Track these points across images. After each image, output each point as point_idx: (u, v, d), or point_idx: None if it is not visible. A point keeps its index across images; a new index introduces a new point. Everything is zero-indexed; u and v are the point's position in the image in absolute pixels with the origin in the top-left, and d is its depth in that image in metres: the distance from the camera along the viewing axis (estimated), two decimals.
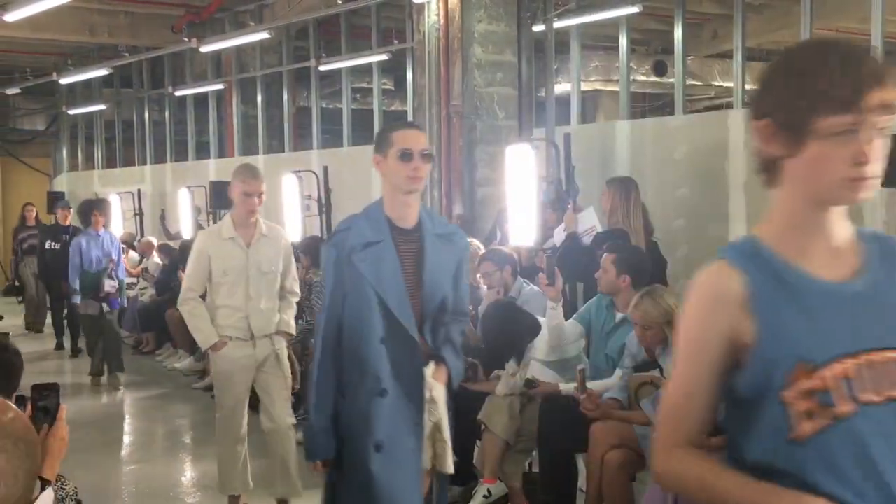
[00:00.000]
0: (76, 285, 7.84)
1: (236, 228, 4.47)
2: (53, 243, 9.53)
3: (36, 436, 1.30)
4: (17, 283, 13.05)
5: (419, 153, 2.76)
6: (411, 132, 2.85)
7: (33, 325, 11.40)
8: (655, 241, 5.22)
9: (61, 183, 15.18)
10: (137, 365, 8.71)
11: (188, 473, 5.65)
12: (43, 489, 2.06)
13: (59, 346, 9.96)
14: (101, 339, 7.90)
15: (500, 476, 4.37)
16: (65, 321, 9.76)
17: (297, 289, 4.69)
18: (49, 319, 10.83)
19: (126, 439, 6.42)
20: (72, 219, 9.76)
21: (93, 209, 8.01)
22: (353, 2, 8.98)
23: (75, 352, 9.55)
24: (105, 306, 7.83)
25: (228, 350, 4.39)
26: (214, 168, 11.72)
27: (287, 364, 4.65)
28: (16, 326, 10.90)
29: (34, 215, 11.65)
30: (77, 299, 7.92)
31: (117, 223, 11.18)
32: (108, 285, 7.77)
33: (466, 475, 4.69)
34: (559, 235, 5.43)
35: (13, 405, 1.28)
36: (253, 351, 4.44)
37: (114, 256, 7.96)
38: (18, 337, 10.23)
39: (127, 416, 7.10)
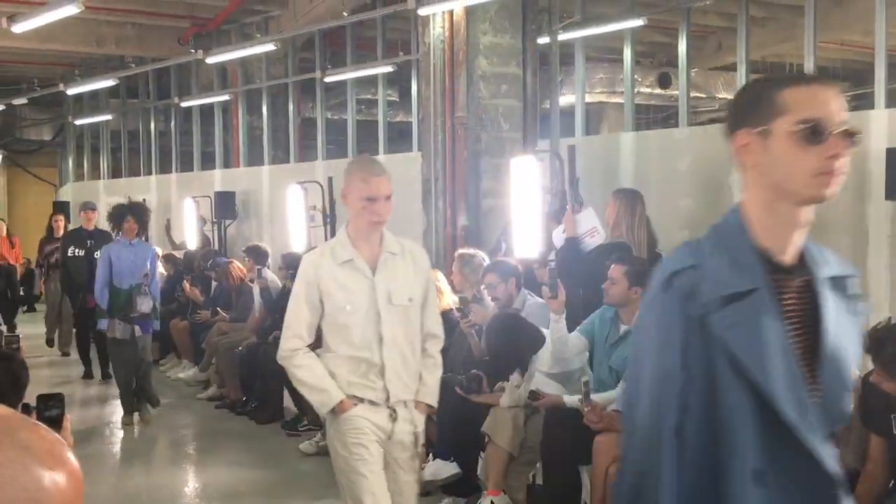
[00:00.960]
0: (104, 303, 6.75)
1: (355, 247, 3.20)
2: (77, 249, 8.51)
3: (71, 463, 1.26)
4: (39, 294, 12.62)
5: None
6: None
7: (60, 347, 10.24)
8: (659, 253, 5.22)
9: (67, 193, 15.24)
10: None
11: (192, 484, 5.65)
12: None
13: (87, 375, 8.72)
14: (132, 369, 6.78)
15: (504, 488, 4.37)
16: (91, 342, 8.62)
17: (440, 331, 3.35)
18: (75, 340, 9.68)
19: (130, 449, 6.42)
20: (97, 222, 8.90)
21: (126, 214, 6.85)
22: (359, 14, 9.02)
23: (106, 377, 8.39)
24: (137, 329, 6.71)
25: (358, 413, 3.10)
26: (220, 178, 11.75)
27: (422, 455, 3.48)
28: (38, 347, 10.07)
29: (62, 226, 10.57)
30: (104, 324, 6.81)
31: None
32: (142, 304, 6.69)
33: (470, 487, 4.69)
34: (558, 238, 5.43)
35: (45, 426, 1.26)
36: (390, 424, 3.13)
37: (149, 270, 6.85)
38: (38, 358, 9.52)
39: (132, 426, 7.09)
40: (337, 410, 3.07)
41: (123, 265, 6.71)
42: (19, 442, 0.82)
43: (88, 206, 8.89)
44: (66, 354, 10.06)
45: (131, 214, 6.85)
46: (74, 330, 9.32)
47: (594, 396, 4.19)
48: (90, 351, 8.66)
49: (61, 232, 10.29)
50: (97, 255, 7.66)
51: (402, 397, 3.12)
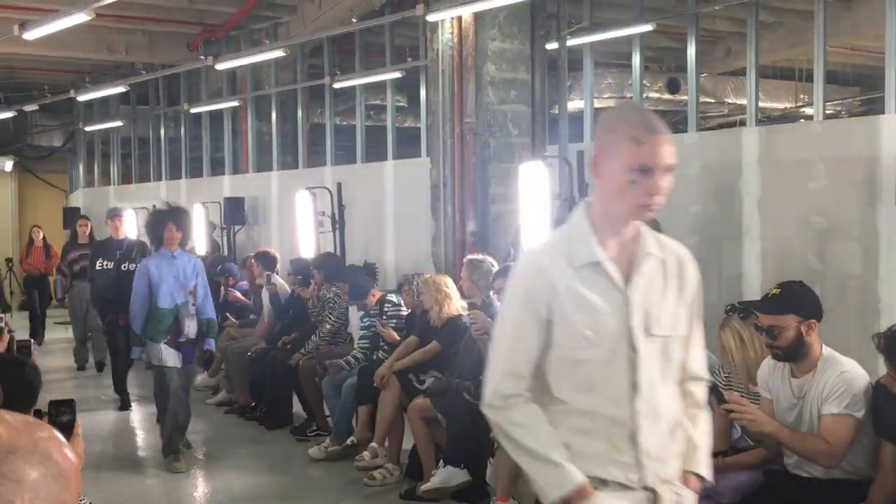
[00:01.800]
0: (138, 326, 5.78)
1: (602, 243, 2.10)
2: (105, 262, 7.73)
3: (73, 465, 1.30)
4: (60, 300, 11.97)
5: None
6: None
7: (76, 361, 9.73)
8: None
9: (77, 199, 15.32)
10: (151, 380, 8.72)
11: (201, 489, 5.66)
12: None
13: (125, 405, 7.74)
14: (180, 402, 5.88)
15: (513, 494, 4.36)
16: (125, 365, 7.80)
17: (706, 372, 2.25)
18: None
19: (139, 454, 6.43)
20: (126, 230, 8.50)
21: (166, 221, 5.82)
22: (368, 20, 9.04)
23: (125, 407, 7.73)
24: (188, 356, 5.85)
25: None
26: (229, 184, 11.79)
27: None
28: (68, 369, 9.63)
29: (88, 231, 9.67)
30: (137, 352, 5.94)
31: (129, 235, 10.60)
32: (189, 328, 5.81)
33: (479, 493, 4.68)
34: None
35: (52, 428, 1.29)
36: None
37: (196, 287, 5.86)
38: (66, 382, 9.00)
39: (140, 432, 7.11)
40: (573, 500, 2.01)
41: (165, 281, 5.74)
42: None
43: (116, 214, 8.13)
44: (81, 368, 9.62)
45: (173, 221, 5.83)
46: (110, 355, 8.23)
47: None
48: (125, 378, 7.77)
49: (86, 238, 9.59)
50: (126, 266, 7.25)
51: (666, 475, 2.08)
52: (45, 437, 1.23)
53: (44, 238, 12.01)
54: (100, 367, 9.42)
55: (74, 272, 9.40)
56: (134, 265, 6.97)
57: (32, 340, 3.78)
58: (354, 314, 6.55)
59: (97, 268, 7.78)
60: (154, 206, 6.71)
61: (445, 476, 4.71)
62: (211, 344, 6.07)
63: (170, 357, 5.76)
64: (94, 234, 9.71)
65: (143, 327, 5.76)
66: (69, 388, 8.52)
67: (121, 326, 6.97)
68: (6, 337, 3.75)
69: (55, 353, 10.62)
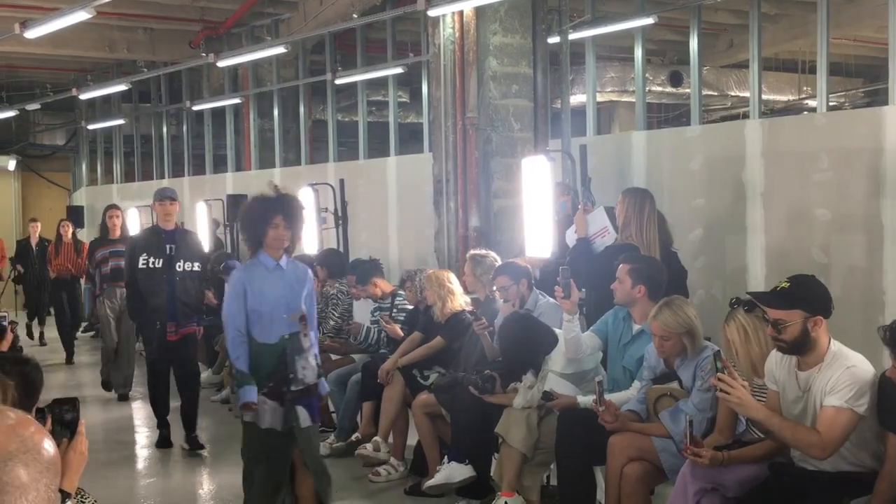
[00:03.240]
0: (244, 363, 4.03)
1: None
2: (152, 258, 6.02)
3: (55, 447, 1.30)
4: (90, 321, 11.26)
5: None
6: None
7: (116, 388, 8.09)
8: (675, 252, 5.19)
9: (80, 197, 15.34)
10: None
11: (206, 486, 5.66)
12: (63, 502, 2.07)
13: (165, 442, 6.20)
14: (281, 476, 4.16)
15: (518, 489, 4.35)
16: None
17: None
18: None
19: (144, 452, 6.44)
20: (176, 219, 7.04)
21: (273, 214, 4.05)
22: (369, 15, 9.03)
23: (163, 429, 6.31)
24: (303, 414, 4.08)
25: None
26: (232, 182, 11.79)
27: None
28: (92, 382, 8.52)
29: (121, 224, 8.29)
30: (251, 393, 3.99)
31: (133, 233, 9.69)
32: (305, 370, 4.10)
33: (484, 488, 4.68)
34: (570, 238, 5.42)
35: (34, 419, 1.29)
36: None
37: (307, 309, 4.15)
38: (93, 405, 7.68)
39: (145, 429, 7.11)
40: None
41: (268, 302, 4.03)
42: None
43: (167, 195, 6.18)
44: (124, 398, 7.92)
45: (282, 214, 4.06)
46: (150, 384, 6.50)
47: (608, 396, 4.17)
48: (167, 404, 6.33)
49: (118, 231, 8.15)
50: (184, 266, 6.07)
51: None
52: (31, 432, 1.23)
53: (74, 234, 10.55)
54: (123, 397, 7.96)
55: (104, 274, 8.06)
56: (193, 265, 6.17)
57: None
58: (363, 308, 6.56)
59: (139, 265, 6.03)
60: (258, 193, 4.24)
61: (449, 472, 4.70)
62: (324, 387, 4.35)
63: (270, 414, 4.03)
64: (126, 229, 8.44)
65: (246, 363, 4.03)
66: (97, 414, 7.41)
67: (171, 342, 6.05)
68: (10, 336, 3.75)
69: (80, 371, 9.80)
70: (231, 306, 4.06)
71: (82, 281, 10.81)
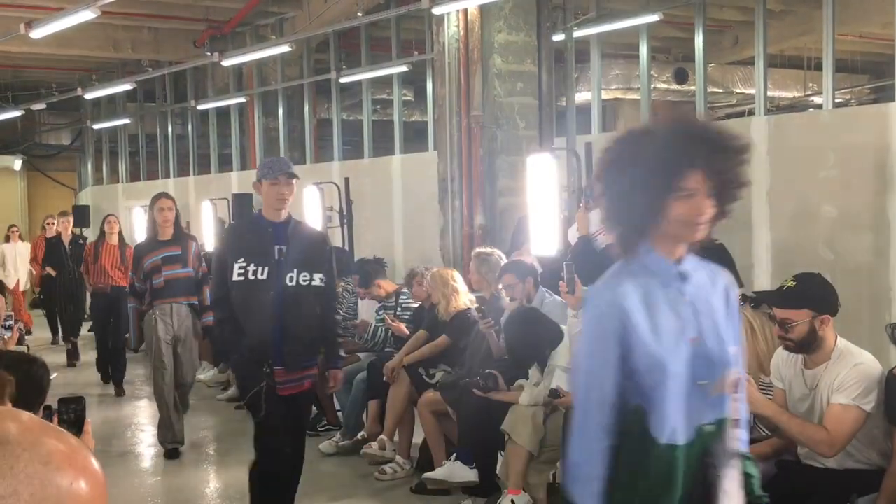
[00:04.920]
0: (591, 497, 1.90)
1: None
2: (253, 266, 3.83)
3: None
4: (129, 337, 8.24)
5: None
6: None
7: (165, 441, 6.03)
8: (721, 244, 5.24)
9: (86, 197, 15.36)
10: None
11: (212, 485, 5.67)
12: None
13: None
14: None
15: (524, 487, 4.35)
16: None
17: None
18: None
19: (150, 451, 6.45)
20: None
21: (694, 160, 1.89)
22: (373, 14, 9.03)
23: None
24: None
25: None
26: (237, 180, 11.80)
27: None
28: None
29: (173, 220, 5.95)
30: None
31: (139, 234, 9.52)
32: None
33: (491, 486, 4.68)
34: (572, 236, 5.41)
35: (24, 411, 1.27)
36: None
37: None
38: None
39: (151, 428, 7.12)
40: None
41: (676, 353, 1.92)
42: (39, 457, 0.82)
43: (284, 169, 3.91)
44: (173, 455, 5.91)
45: (703, 166, 1.87)
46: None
47: None
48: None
49: (170, 229, 5.92)
50: (297, 278, 3.83)
51: None
52: (23, 421, 1.21)
53: (119, 233, 8.30)
54: (172, 454, 5.90)
55: (155, 289, 5.78)
56: (312, 277, 3.87)
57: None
58: (368, 307, 6.56)
59: (237, 276, 3.81)
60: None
61: (452, 470, 4.70)
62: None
63: None
64: (181, 225, 6.20)
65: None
66: None
67: (284, 401, 3.83)
68: (16, 333, 3.76)
69: (133, 426, 7.16)
70: (596, 372, 1.92)
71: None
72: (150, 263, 5.87)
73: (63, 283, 9.64)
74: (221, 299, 3.96)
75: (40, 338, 11.16)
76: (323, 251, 4.04)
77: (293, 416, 3.96)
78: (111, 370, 8.30)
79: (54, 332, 10.83)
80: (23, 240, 12.95)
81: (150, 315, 5.88)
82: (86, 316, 9.71)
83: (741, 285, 4.85)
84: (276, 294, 3.83)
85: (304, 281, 3.88)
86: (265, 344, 3.84)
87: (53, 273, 9.75)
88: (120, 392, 8.12)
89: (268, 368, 3.81)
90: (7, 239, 12.79)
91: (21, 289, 12.56)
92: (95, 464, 0.86)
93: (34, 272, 10.90)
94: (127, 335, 8.26)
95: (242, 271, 3.84)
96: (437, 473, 4.76)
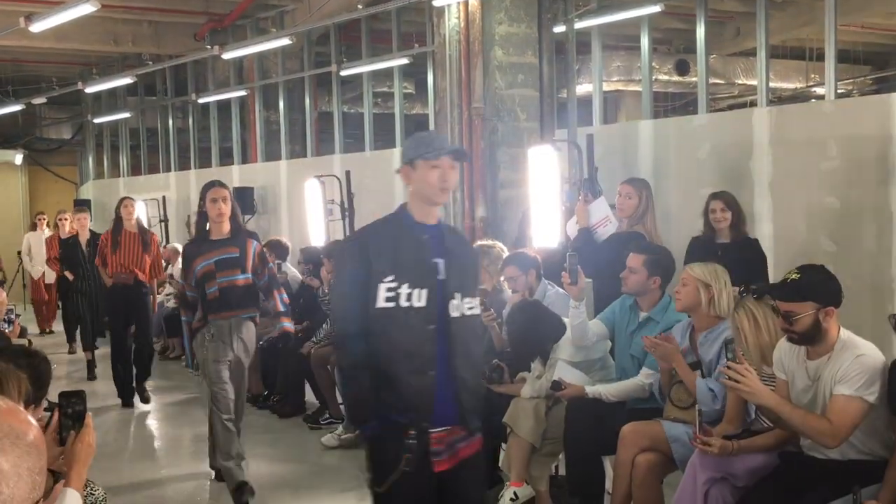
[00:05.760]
0: None
1: None
2: (407, 286, 2.76)
3: (37, 429, 1.28)
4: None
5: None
6: None
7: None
8: (755, 239, 5.27)
9: (87, 191, 15.36)
10: (164, 370, 8.77)
11: (214, 477, 5.67)
12: (54, 484, 2.08)
13: None
14: None
15: (526, 479, 4.35)
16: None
17: None
18: None
19: (153, 444, 6.46)
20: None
21: None
22: (374, 6, 9.00)
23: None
24: None
25: None
26: (238, 174, 11.79)
27: None
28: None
29: (230, 214, 4.93)
30: None
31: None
32: None
33: (493, 478, 4.68)
34: (572, 229, 5.41)
35: (20, 407, 1.27)
36: None
37: None
38: None
39: (154, 421, 7.13)
40: None
41: None
42: None
43: (446, 147, 2.89)
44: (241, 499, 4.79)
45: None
46: None
47: (613, 385, 4.18)
48: None
49: (226, 225, 4.89)
50: (462, 307, 2.84)
51: None
52: (12, 419, 1.21)
53: (138, 220, 7.43)
54: (239, 496, 4.80)
55: (210, 300, 4.81)
56: (472, 304, 2.88)
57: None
58: None
59: (384, 302, 2.77)
60: None
61: None
62: None
63: None
64: (239, 217, 5.05)
65: None
66: None
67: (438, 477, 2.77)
68: (17, 326, 3.76)
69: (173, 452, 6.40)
70: None
71: (155, 290, 7.91)
72: (202, 268, 4.85)
73: (82, 289, 8.60)
74: (356, 336, 2.78)
75: (50, 343, 10.41)
76: (477, 267, 3.21)
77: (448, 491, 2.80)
78: (136, 373, 7.33)
79: (70, 339, 9.70)
80: (50, 228, 11.58)
81: (203, 333, 4.86)
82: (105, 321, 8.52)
83: (767, 279, 4.90)
84: (439, 328, 2.78)
85: (469, 310, 2.86)
86: (424, 398, 2.74)
87: (71, 277, 8.61)
88: (145, 398, 7.35)
89: (419, 434, 2.69)
90: (33, 227, 12.14)
91: (47, 281, 11.45)
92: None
93: (54, 271, 9.66)
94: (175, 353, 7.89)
95: (393, 295, 2.74)
96: None
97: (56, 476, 2.18)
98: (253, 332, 5.05)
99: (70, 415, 2.21)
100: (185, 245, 5.29)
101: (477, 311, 2.96)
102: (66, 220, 9.38)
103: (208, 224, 4.96)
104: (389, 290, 2.75)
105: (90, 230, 8.73)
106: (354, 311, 2.79)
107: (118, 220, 7.27)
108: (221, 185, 5.05)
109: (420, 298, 2.76)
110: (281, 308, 5.18)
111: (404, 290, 2.75)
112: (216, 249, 4.89)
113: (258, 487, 5.33)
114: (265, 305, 5.22)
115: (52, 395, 2.48)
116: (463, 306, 2.84)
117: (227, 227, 4.94)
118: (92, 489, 2.74)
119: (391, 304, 2.75)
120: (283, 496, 5.15)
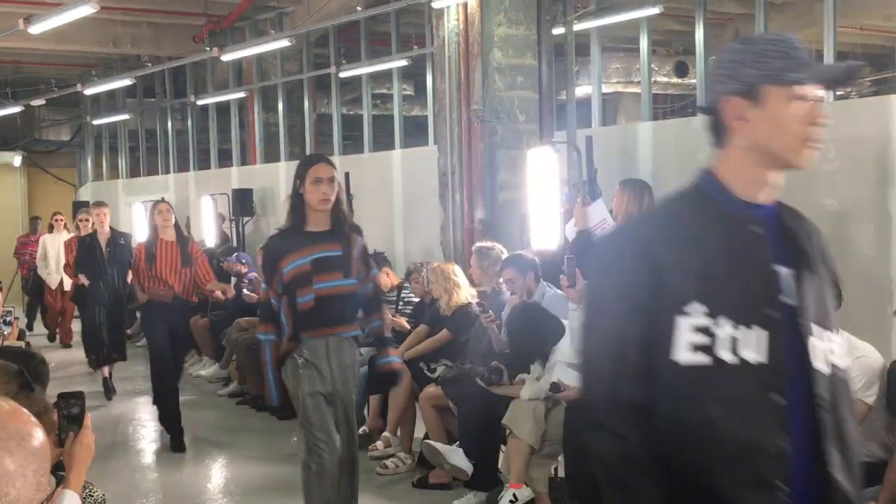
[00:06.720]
0: None
1: None
2: (734, 327, 1.56)
3: (42, 431, 1.28)
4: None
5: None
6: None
7: None
8: None
9: (86, 193, 15.35)
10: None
11: (214, 480, 5.68)
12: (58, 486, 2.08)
13: None
14: None
15: (526, 481, 4.35)
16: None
17: None
18: None
19: (152, 446, 6.45)
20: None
21: None
22: (373, 8, 9.00)
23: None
24: None
25: None
26: (237, 176, 11.78)
27: None
28: None
29: (335, 200, 3.85)
30: None
31: (139, 234, 8.90)
32: None
33: (492, 480, 4.68)
34: (570, 231, 5.41)
35: (24, 409, 1.27)
36: None
37: None
38: None
39: (153, 423, 7.13)
40: None
41: None
42: None
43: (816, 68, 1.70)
44: None
45: None
46: None
47: None
48: None
49: (326, 218, 3.86)
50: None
51: None
52: (6, 411, 1.22)
53: (177, 224, 6.32)
54: None
55: (300, 312, 3.78)
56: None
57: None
58: None
59: (691, 357, 1.55)
60: None
61: (452, 453, 4.69)
62: None
63: None
64: (344, 206, 3.98)
65: None
66: None
67: None
68: (16, 328, 3.76)
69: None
70: None
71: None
72: (292, 269, 3.76)
73: (99, 294, 7.44)
74: (629, 411, 1.58)
75: (65, 360, 9.48)
76: (835, 274, 1.94)
77: None
78: (164, 411, 6.24)
79: (88, 353, 8.25)
80: (69, 230, 10.28)
81: (294, 358, 3.80)
82: (128, 335, 7.64)
83: None
84: (793, 398, 1.58)
85: (834, 355, 1.69)
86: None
87: (86, 283, 7.40)
88: (179, 447, 6.03)
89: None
90: (50, 228, 10.73)
91: (64, 288, 9.85)
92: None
93: (70, 279, 8.34)
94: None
95: (705, 341, 1.57)
96: (438, 446, 4.77)
97: (59, 478, 2.18)
98: (356, 357, 3.98)
99: (69, 416, 2.20)
100: (270, 237, 4.07)
101: (843, 358, 1.71)
102: (86, 220, 7.89)
103: (306, 212, 3.81)
104: (699, 329, 1.56)
105: (111, 227, 7.61)
106: (627, 365, 1.58)
107: (153, 230, 6.21)
108: (328, 161, 3.88)
109: (756, 346, 1.56)
110: (386, 333, 4.08)
111: (725, 330, 1.56)
112: (313, 245, 3.77)
113: (256, 489, 5.33)
114: (363, 323, 3.99)
115: (52, 395, 2.47)
116: (828, 350, 1.65)
117: (327, 218, 3.83)
118: (91, 490, 2.74)
119: (702, 358, 1.54)
120: (281, 498, 5.14)
